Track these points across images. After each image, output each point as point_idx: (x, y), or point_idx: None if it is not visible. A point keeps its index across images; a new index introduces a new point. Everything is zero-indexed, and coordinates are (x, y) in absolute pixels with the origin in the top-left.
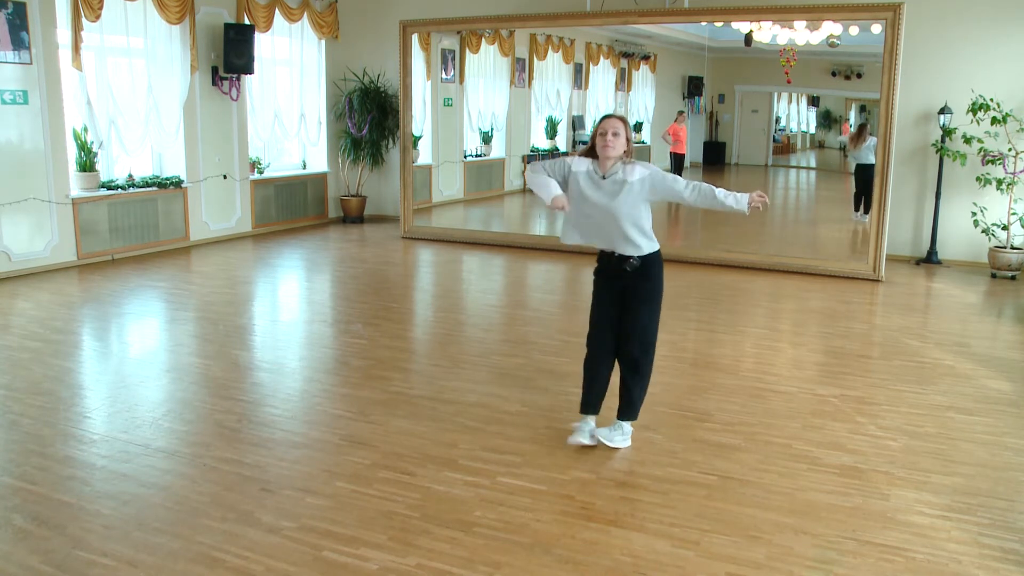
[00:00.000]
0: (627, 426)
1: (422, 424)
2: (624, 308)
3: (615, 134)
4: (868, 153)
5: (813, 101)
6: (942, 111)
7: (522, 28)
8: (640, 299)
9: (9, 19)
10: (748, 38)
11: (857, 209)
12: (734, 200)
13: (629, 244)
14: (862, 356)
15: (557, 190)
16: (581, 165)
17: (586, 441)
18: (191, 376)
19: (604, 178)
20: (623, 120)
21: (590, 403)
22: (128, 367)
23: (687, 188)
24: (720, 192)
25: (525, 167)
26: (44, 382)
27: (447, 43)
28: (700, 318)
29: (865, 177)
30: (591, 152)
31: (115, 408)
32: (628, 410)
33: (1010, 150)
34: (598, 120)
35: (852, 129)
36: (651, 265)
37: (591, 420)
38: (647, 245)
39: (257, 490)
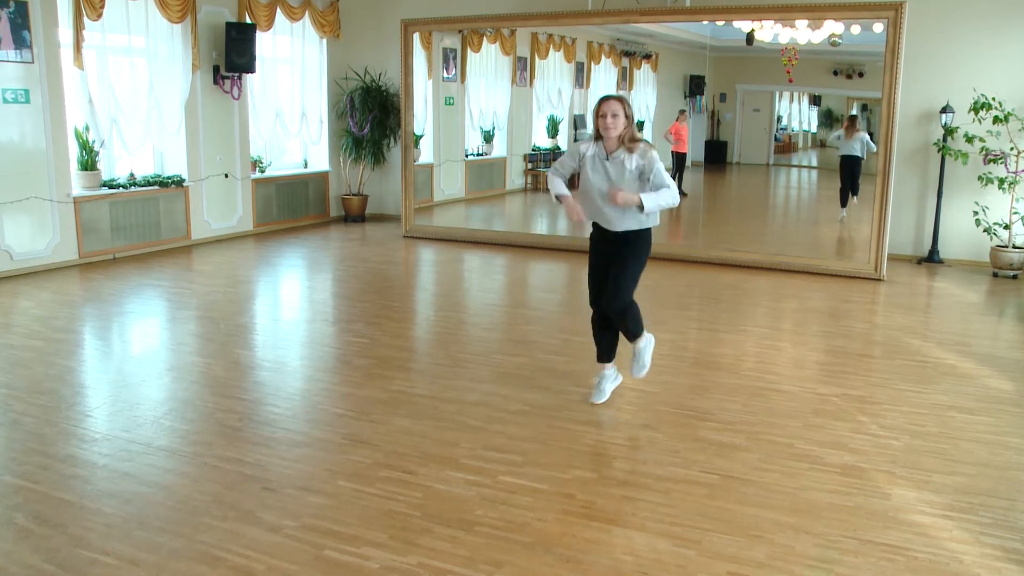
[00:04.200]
0: (640, 343)
1: (423, 423)
2: (610, 264)
3: (614, 115)
4: (857, 145)
5: (815, 100)
6: (944, 110)
7: (523, 27)
8: (626, 255)
9: (11, 18)
10: (750, 37)
11: (844, 206)
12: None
13: (624, 224)
14: (864, 355)
15: (563, 189)
16: (590, 149)
17: (607, 396)
18: (192, 375)
19: (608, 159)
20: (620, 100)
21: (603, 352)
22: (129, 366)
23: (665, 194)
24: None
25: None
26: (46, 381)
27: (448, 42)
28: (701, 317)
29: (852, 168)
30: (599, 135)
31: (117, 407)
32: (631, 334)
33: (1012, 149)
34: (597, 101)
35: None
36: (641, 237)
37: (609, 367)
38: (641, 224)
39: (258, 489)
